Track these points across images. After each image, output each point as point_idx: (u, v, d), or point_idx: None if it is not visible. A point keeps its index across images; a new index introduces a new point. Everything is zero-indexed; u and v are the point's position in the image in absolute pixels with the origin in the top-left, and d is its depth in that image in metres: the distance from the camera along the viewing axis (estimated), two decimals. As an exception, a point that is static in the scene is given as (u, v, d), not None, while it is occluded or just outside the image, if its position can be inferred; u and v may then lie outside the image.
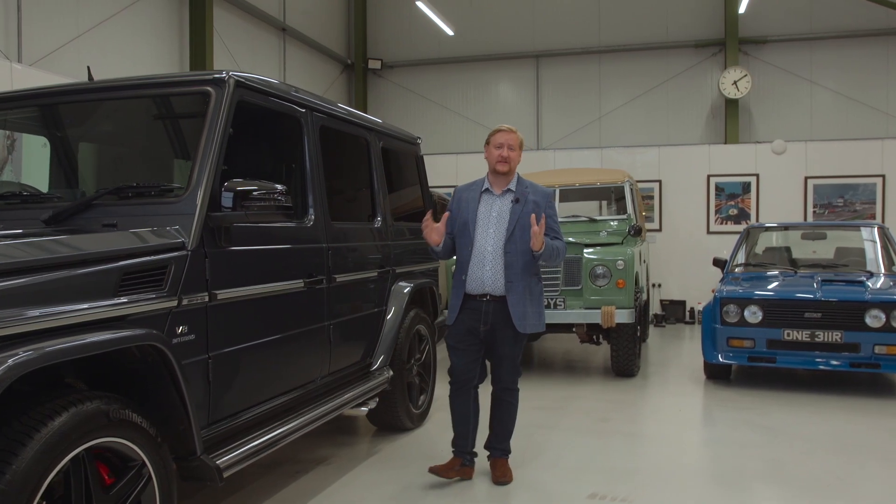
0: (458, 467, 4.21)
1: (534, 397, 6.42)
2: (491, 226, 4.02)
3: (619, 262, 6.94)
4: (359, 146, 4.88)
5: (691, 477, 4.30)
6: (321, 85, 12.61)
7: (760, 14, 11.98)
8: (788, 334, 6.39)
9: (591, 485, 4.12)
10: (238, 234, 3.27)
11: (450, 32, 12.07)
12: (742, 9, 11.20)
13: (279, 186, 3.20)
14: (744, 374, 7.25)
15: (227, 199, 3.08)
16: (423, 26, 12.50)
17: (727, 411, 5.88)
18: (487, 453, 4.30)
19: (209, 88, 3.31)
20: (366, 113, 13.39)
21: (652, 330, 10.83)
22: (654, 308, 11.57)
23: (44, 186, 4.37)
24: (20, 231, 2.79)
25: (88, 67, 3.89)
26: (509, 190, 4.09)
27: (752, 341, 6.53)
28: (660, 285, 11.63)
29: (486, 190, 4.12)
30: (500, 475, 4.17)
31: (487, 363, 4.26)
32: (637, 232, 7.53)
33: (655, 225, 11.67)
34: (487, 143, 4.13)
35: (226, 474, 3.01)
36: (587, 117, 12.85)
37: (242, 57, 10.14)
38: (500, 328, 4.03)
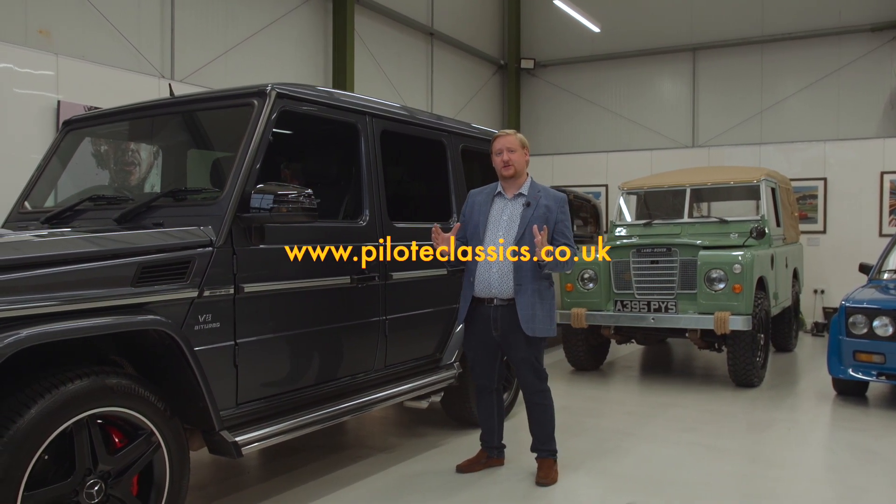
0: (485, 460, 4.40)
1: (628, 401, 6.28)
2: (501, 229, 4.08)
3: (737, 265, 6.58)
4: (432, 148, 5.06)
5: (740, 498, 4.03)
6: (473, 86, 12.91)
7: (952, -9, 10.67)
8: (924, 351, 5.75)
9: (630, 494, 4.03)
10: (275, 233, 3.59)
11: (595, 30, 11.89)
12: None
13: (307, 190, 3.48)
14: (888, 393, 6.58)
15: (255, 201, 3.41)
16: (574, 24, 12.39)
17: (836, 431, 5.41)
18: (535, 455, 4.34)
19: (253, 100, 3.66)
20: (518, 112, 13.73)
21: (810, 339, 10.10)
22: (816, 316, 10.75)
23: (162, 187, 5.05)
24: (68, 228, 3.28)
25: (170, 85, 4.40)
26: (521, 194, 4.12)
27: (881, 356, 5.94)
28: (823, 291, 10.76)
29: (499, 194, 4.17)
30: (543, 476, 4.19)
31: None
32: (760, 234, 7.06)
33: (819, 226, 10.81)
34: (491, 151, 4.18)
35: (245, 450, 3.33)
36: (747, 112, 12.10)
37: (387, 61, 10.65)
38: (511, 333, 4.07)
